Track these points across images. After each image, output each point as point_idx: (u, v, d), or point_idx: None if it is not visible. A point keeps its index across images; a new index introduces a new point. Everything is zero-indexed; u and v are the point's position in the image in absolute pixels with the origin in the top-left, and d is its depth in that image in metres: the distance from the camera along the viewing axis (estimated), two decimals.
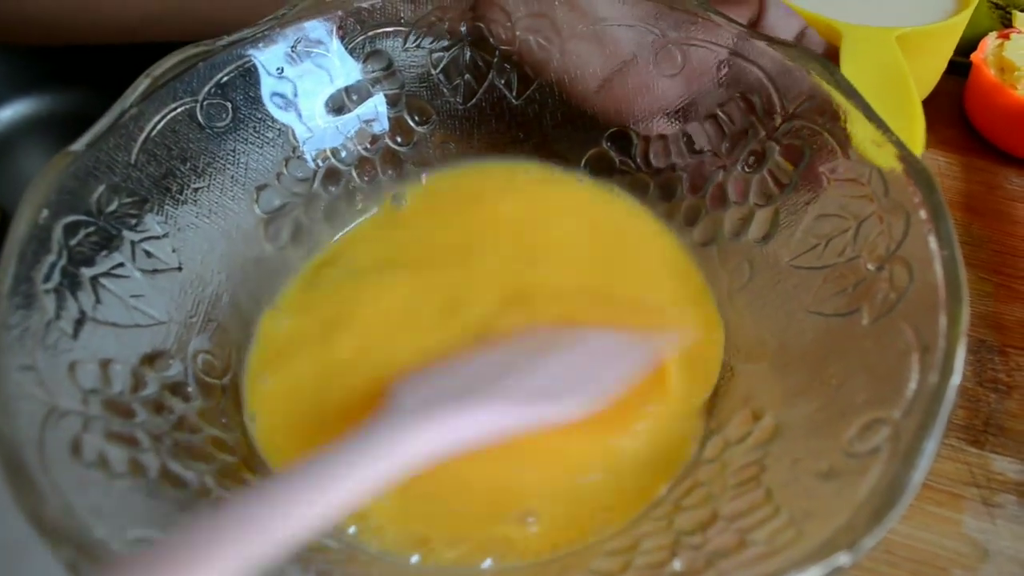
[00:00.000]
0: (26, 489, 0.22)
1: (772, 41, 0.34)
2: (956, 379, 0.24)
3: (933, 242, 0.28)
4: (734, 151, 0.35)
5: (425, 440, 0.24)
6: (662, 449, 0.31)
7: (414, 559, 0.28)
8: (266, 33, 0.35)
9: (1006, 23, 0.46)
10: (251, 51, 0.35)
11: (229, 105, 0.35)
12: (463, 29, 0.38)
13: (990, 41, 0.44)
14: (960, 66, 0.47)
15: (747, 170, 0.35)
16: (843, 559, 0.21)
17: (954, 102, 0.46)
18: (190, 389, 0.31)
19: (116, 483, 0.25)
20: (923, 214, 0.28)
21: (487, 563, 0.28)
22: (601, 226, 0.38)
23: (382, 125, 0.39)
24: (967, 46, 0.46)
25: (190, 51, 0.33)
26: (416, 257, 0.37)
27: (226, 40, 0.34)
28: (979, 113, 0.44)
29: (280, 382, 0.33)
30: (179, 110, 0.33)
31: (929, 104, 0.47)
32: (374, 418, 0.25)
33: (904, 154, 0.30)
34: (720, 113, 0.36)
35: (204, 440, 0.29)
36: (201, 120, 0.34)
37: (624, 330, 0.33)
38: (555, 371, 0.29)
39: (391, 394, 0.27)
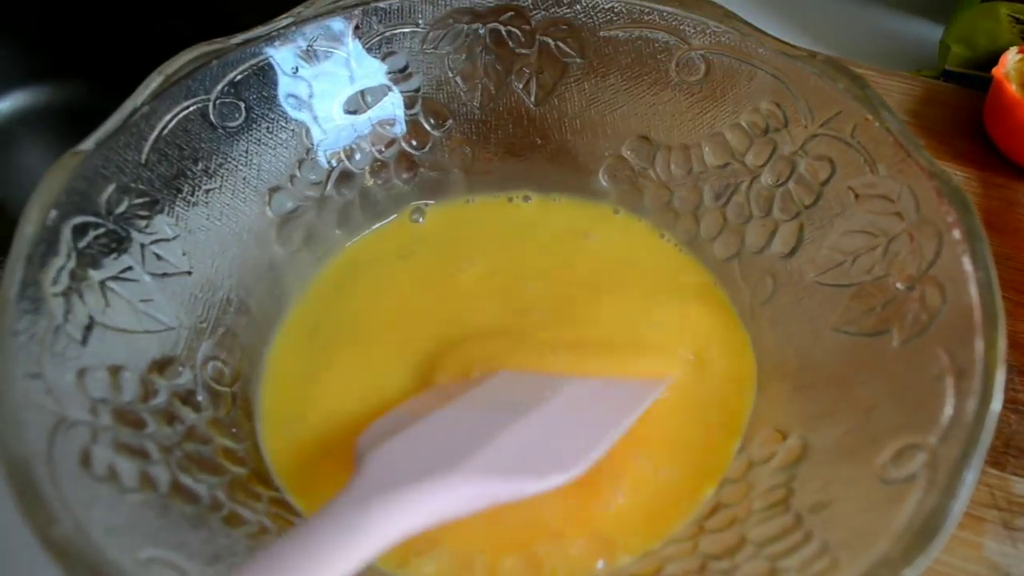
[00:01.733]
0: (36, 506, 0.21)
1: (802, 53, 0.33)
2: (997, 406, 0.24)
3: (968, 263, 0.27)
4: (759, 163, 0.35)
5: (398, 520, 0.23)
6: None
7: None
8: (282, 31, 0.34)
9: None
10: (266, 49, 0.34)
11: (242, 104, 0.34)
12: (482, 32, 0.37)
13: (1011, 56, 0.44)
14: (981, 80, 0.46)
15: (773, 183, 0.34)
16: None
17: (974, 117, 0.46)
18: (200, 398, 0.30)
19: (127, 498, 0.24)
20: (957, 234, 0.28)
21: None
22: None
23: (398, 128, 0.38)
24: (988, 60, 0.45)
25: (203, 48, 0.32)
26: (428, 285, 0.37)
27: (241, 38, 0.33)
28: (999, 128, 0.44)
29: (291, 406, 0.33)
30: (191, 109, 0.32)
31: (948, 118, 0.46)
32: (346, 492, 0.24)
33: (936, 171, 0.29)
34: (744, 124, 0.35)
35: (215, 451, 0.29)
36: (214, 119, 0.33)
37: (609, 376, 0.32)
38: (535, 435, 0.27)
39: (361, 458, 0.26)
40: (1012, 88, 0.43)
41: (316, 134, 0.36)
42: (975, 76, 0.47)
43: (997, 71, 0.43)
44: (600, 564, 0.28)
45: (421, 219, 0.39)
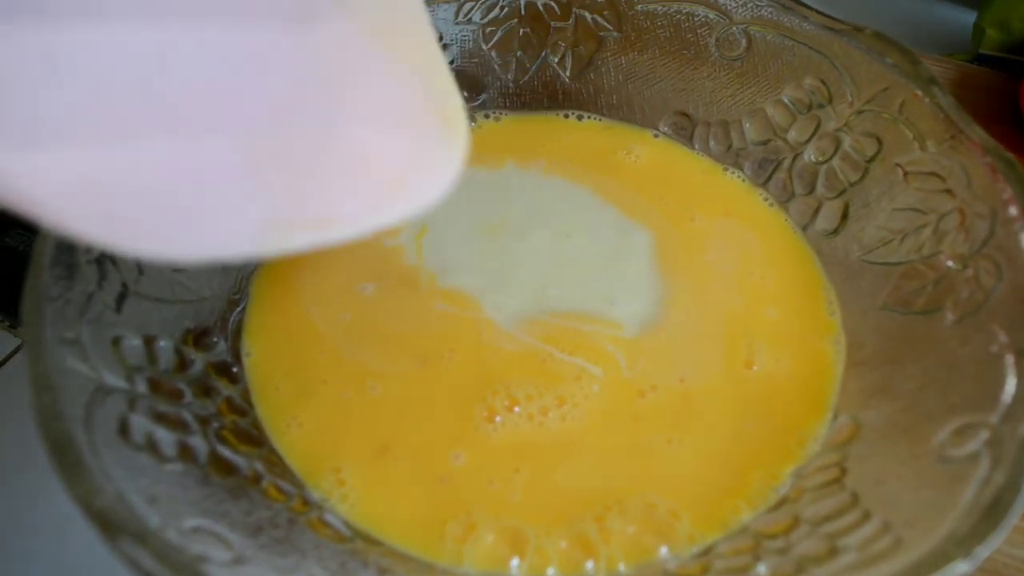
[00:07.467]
0: (77, 473, 0.20)
1: (848, 28, 0.32)
2: None
3: None
4: (803, 139, 0.34)
5: None
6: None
7: (514, 562, 0.26)
8: None
9: None
10: None
11: None
12: (517, 4, 0.37)
13: None
14: (1016, 64, 0.46)
15: (816, 160, 0.34)
16: (961, 568, 0.20)
17: (1009, 100, 0.45)
18: (235, 370, 0.29)
19: (166, 468, 0.23)
20: (1013, 211, 0.27)
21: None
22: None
23: None
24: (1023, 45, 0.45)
25: None
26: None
27: None
28: None
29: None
30: None
31: (982, 101, 0.46)
32: None
33: (989, 147, 0.29)
34: (787, 100, 0.34)
35: (251, 423, 0.28)
36: None
37: None
38: None
39: None
40: None
41: None
42: (1010, 60, 0.47)
43: None
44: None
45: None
